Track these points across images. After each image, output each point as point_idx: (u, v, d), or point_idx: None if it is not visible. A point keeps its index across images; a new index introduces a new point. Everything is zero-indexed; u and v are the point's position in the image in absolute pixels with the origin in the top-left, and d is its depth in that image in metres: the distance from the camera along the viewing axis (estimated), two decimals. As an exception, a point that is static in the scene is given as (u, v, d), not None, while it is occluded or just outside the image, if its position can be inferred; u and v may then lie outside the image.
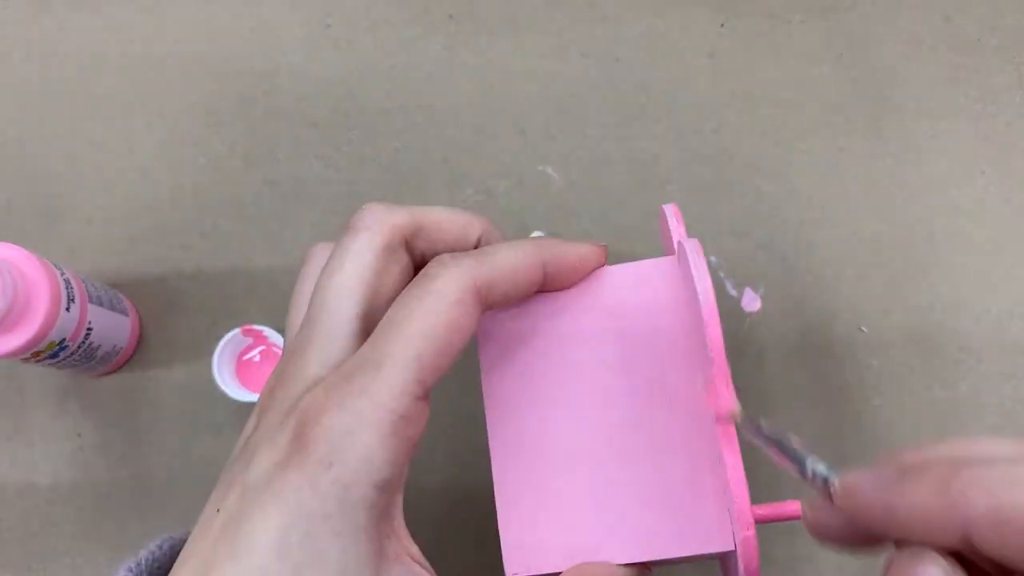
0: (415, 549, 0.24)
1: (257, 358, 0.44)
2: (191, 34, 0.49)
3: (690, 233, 0.34)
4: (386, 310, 0.24)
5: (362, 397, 0.22)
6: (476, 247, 0.28)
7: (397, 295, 0.24)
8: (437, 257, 0.25)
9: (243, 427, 0.26)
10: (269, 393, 0.25)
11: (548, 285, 0.28)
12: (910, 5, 0.52)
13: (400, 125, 0.48)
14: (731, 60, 0.50)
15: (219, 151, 0.47)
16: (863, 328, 0.47)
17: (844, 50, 0.51)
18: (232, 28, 0.49)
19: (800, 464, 0.23)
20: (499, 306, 0.26)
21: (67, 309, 0.38)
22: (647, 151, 0.49)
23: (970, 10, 0.52)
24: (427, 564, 0.24)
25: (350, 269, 0.25)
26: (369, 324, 0.25)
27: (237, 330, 0.42)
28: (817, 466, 0.22)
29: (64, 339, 0.38)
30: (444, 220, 0.27)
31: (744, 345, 0.46)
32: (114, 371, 0.44)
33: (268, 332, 0.43)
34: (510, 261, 0.25)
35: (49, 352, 0.38)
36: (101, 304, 0.41)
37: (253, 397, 0.42)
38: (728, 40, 0.51)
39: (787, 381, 0.46)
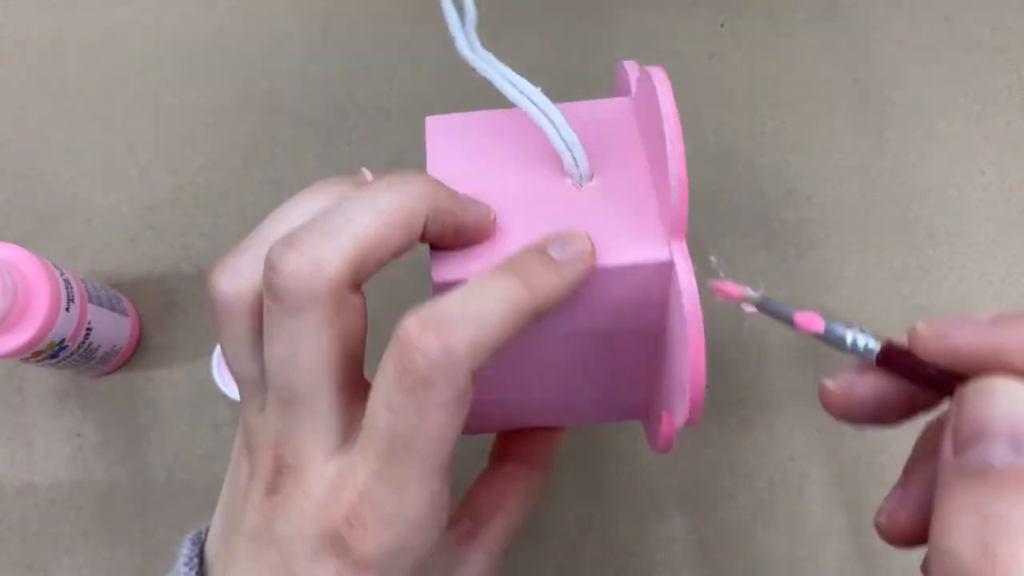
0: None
1: None
2: (191, 34, 0.49)
3: (691, 233, 0.34)
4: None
5: (401, 521, 0.22)
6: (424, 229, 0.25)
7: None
8: (419, 342, 0.22)
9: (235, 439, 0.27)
10: (275, 476, 0.24)
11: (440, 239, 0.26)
12: (910, 5, 0.52)
13: (400, 125, 0.48)
14: (731, 60, 0.50)
15: (219, 151, 0.47)
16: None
17: (844, 50, 0.51)
18: (232, 28, 0.49)
19: (836, 334, 0.23)
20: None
21: (67, 309, 0.38)
22: (647, 151, 0.49)
23: (970, 10, 0.52)
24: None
25: (307, 356, 0.23)
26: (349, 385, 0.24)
27: None
28: (858, 335, 0.22)
29: (64, 339, 0.38)
30: (380, 237, 0.24)
31: (744, 345, 0.46)
32: (114, 371, 0.44)
33: None
34: (501, 321, 0.22)
35: (49, 352, 0.38)
36: (101, 304, 0.41)
37: None
38: (728, 40, 0.51)
39: (787, 381, 0.46)
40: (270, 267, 0.23)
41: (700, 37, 0.51)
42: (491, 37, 0.50)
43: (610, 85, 0.51)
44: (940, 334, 0.19)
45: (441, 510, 0.23)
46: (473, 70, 0.33)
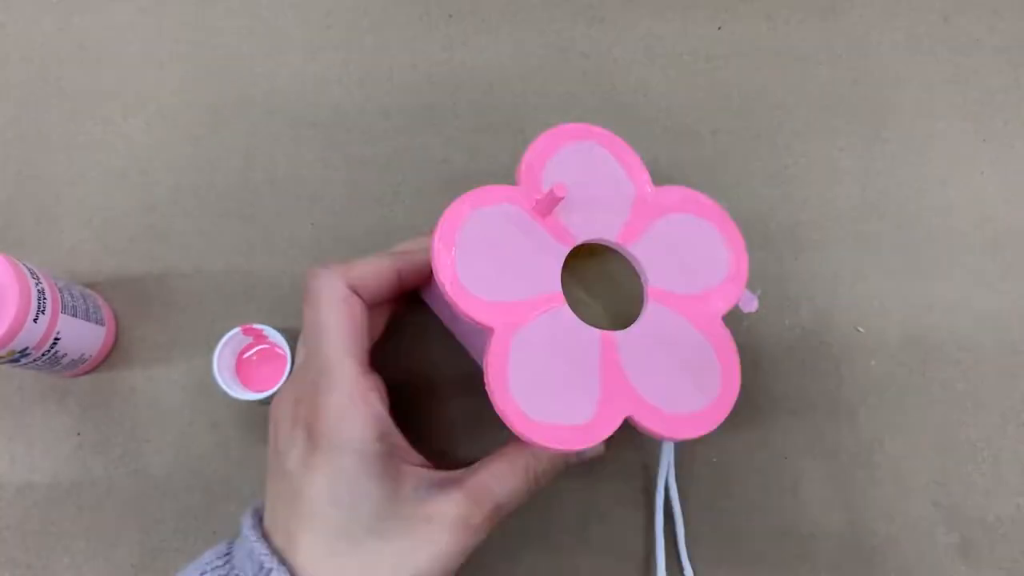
0: (415, 455, 0.35)
1: (255, 357, 0.44)
2: (191, 34, 0.49)
3: None
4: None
5: (331, 393, 0.33)
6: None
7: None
8: (310, 270, 0.36)
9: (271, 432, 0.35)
10: (274, 406, 0.35)
11: (406, 284, 0.38)
12: (909, 6, 0.52)
13: (400, 125, 0.48)
14: (729, 62, 0.50)
15: (219, 151, 0.48)
16: (860, 328, 0.47)
17: (843, 51, 0.51)
18: (232, 28, 0.49)
19: None
20: (371, 300, 0.37)
21: (35, 320, 0.38)
22: (645, 152, 0.49)
23: (969, 11, 0.52)
24: (425, 460, 0.36)
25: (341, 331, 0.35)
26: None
27: (237, 329, 0.42)
28: None
29: (27, 348, 0.38)
30: (363, 263, 0.37)
31: (742, 346, 0.46)
32: (82, 374, 0.44)
33: (268, 331, 0.43)
34: (369, 267, 0.36)
35: (9, 358, 0.38)
36: (75, 314, 0.41)
37: (252, 395, 0.42)
38: (726, 42, 0.51)
39: (785, 381, 0.46)
40: (306, 275, 0.37)
41: (698, 39, 0.51)
42: (491, 37, 0.51)
43: (609, 85, 0.51)
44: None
45: (368, 388, 0.33)
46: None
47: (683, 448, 0.45)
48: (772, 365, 0.46)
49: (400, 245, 0.39)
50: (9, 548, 0.43)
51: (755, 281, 0.48)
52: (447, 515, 0.33)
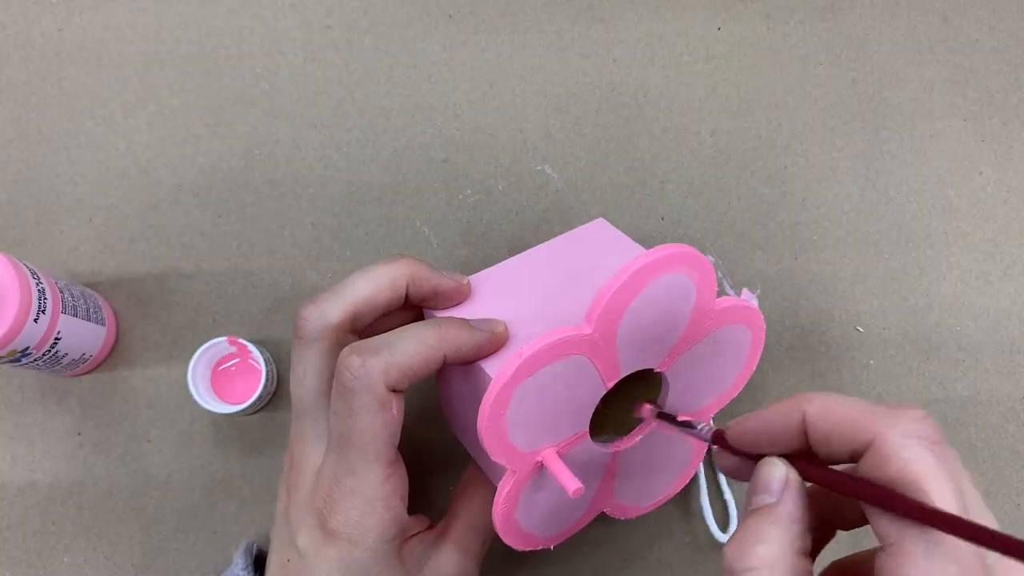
0: (416, 526, 0.36)
1: (233, 368, 0.44)
2: (191, 34, 0.49)
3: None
4: None
5: (355, 495, 0.31)
6: (408, 292, 0.35)
7: None
8: (345, 356, 0.31)
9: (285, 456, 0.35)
10: (289, 472, 0.34)
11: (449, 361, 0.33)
12: (908, 6, 0.52)
13: (400, 125, 0.48)
14: (728, 63, 0.50)
15: (219, 151, 0.48)
16: (859, 328, 0.47)
17: (842, 51, 0.51)
18: (232, 28, 0.49)
19: (695, 429, 0.32)
20: (415, 382, 0.32)
21: (35, 320, 0.38)
22: (645, 152, 0.49)
23: (968, 11, 0.52)
24: (418, 520, 0.36)
25: (312, 379, 0.34)
26: None
27: (223, 338, 0.42)
28: (704, 427, 0.31)
29: (28, 347, 0.38)
30: (370, 295, 0.34)
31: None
32: (83, 374, 0.44)
33: (252, 348, 0.42)
34: (412, 355, 0.31)
35: (10, 358, 0.38)
36: (76, 314, 0.41)
37: (222, 408, 0.41)
38: (725, 43, 0.51)
39: (784, 381, 0.46)
40: (297, 315, 0.34)
41: (698, 39, 0.51)
42: (491, 37, 0.51)
43: (609, 86, 0.51)
44: (738, 434, 0.28)
45: (391, 493, 0.32)
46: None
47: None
48: (772, 365, 0.46)
49: (441, 281, 0.35)
50: (9, 548, 0.43)
51: (755, 281, 0.48)
52: (445, 574, 0.34)
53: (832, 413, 0.25)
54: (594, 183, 0.48)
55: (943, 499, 0.22)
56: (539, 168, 0.48)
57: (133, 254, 0.46)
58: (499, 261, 0.38)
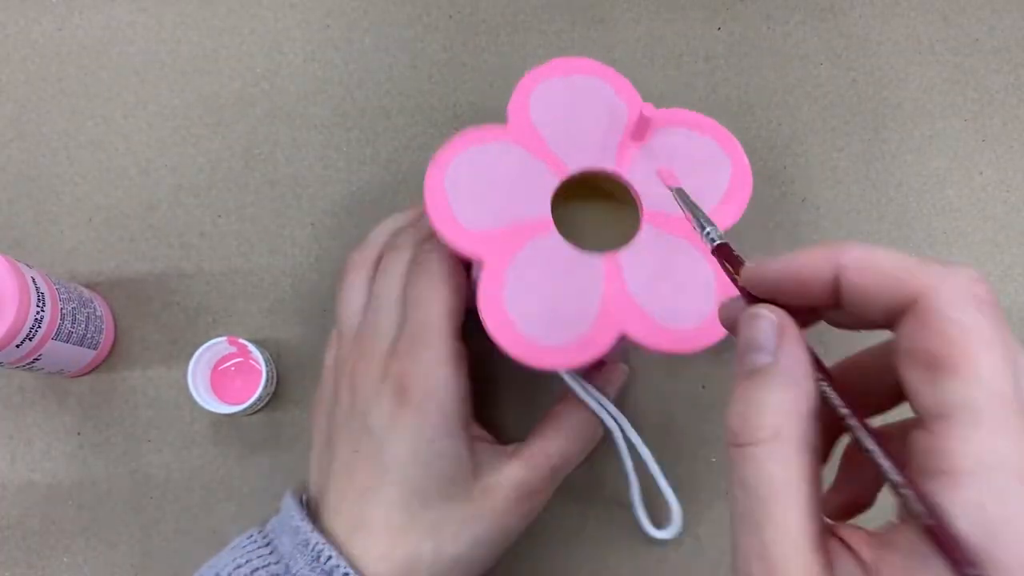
0: (478, 430, 0.38)
1: (232, 368, 0.44)
2: (191, 34, 0.49)
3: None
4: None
5: (427, 349, 0.34)
6: None
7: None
8: (414, 246, 0.37)
9: (318, 393, 0.39)
10: (352, 368, 0.36)
11: None
12: (908, 6, 0.52)
13: (400, 125, 0.48)
14: (728, 63, 0.50)
15: (219, 151, 0.48)
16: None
17: (843, 51, 0.51)
18: (232, 28, 0.49)
19: (702, 226, 0.29)
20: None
21: (17, 346, 0.37)
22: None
23: (968, 11, 0.52)
24: (487, 435, 0.39)
25: (395, 283, 0.37)
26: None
27: (223, 338, 0.42)
28: (715, 231, 0.28)
29: (0, 362, 0.38)
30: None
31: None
32: (83, 374, 0.44)
33: (252, 348, 0.42)
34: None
35: None
36: (69, 340, 0.40)
37: (222, 408, 0.41)
38: (725, 43, 0.51)
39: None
40: (420, 250, 0.38)
41: (697, 40, 0.51)
42: (491, 37, 0.51)
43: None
44: (755, 267, 0.24)
45: (459, 365, 0.34)
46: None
47: (681, 447, 0.45)
48: (772, 365, 0.46)
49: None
50: (9, 548, 0.43)
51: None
52: (507, 484, 0.35)
53: (874, 263, 0.21)
54: (594, 183, 0.48)
55: (993, 371, 0.19)
56: (539, 168, 0.48)
57: (133, 254, 0.46)
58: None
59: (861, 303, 0.21)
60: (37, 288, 0.38)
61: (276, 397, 0.45)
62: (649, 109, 0.35)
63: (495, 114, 0.49)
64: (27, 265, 0.39)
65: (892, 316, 0.21)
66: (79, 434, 0.44)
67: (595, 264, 0.35)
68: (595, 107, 0.37)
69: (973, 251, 0.48)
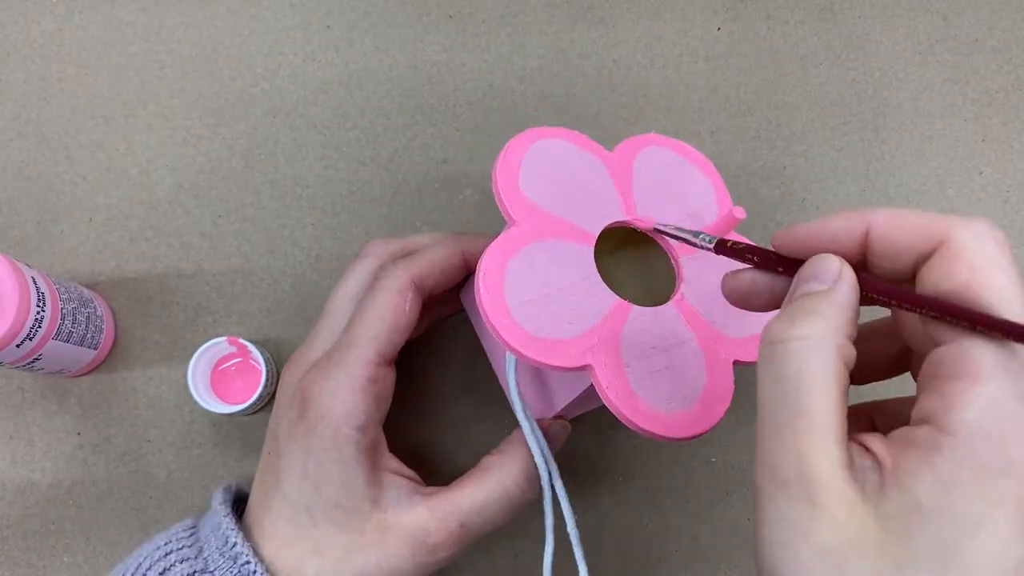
0: (395, 464, 0.35)
1: (233, 368, 0.44)
2: (191, 34, 0.49)
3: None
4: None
5: (339, 369, 0.33)
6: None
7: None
8: (382, 264, 0.36)
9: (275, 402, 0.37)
10: (285, 374, 0.36)
11: (469, 268, 0.38)
12: (908, 6, 0.52)
13: (400, 125, 0.48)
14: (728, 63, 0.50)
15: (219, 151, 0.48)
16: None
17: (843, 50, 0.51)
18: (232, 28, 0.49)
19: (694, 237, 0.31)
20: (437, 289, 0.36)
21: (17, 346, 0.37)
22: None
23: (968, 11, 0.52)
24: (408, 471, 0.35)
25: (351, 284, 0.37)
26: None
27: (223, 338, 0.42)
28: (705, 236, 0.31)
29: (0, 362, 0.38)
30: (431, 254, 0.36)
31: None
32: (83, 374, 0.44)
33: (252, 348, 0.42)
34: (436, 258, 0.36)
35: None
36: (69, 340, 0.40)
37: (222, 408, 0.42)
38: (725, 43, 0.51)
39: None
40: (367, 242, 0.39)
41: (698, 39, 0.51)
42: (491, 37, 0.51)
43: (608, 86, 0.51)
44: (787, 230, 0.26)
45: (367, 385, 0.33)
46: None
47: (681, 447, 0.45)
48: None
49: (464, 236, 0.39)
50: (9, 548, 0.43)
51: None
52: (404, 528, 0.33)
53: (901, 218, 0.24)
54: (594, 183, 0.48)
55: (1013, 292, 0.22)
56: (539, 168, 0.48)
57: (133, 254, 0.46)
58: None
59: (891, 253, 0.24)
60: (37, 288, 0.38)
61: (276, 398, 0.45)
62: (740, 211, 0.33)
63: (496, 113, 0.49)
64: (27, 265, 0.39)
65: (919, 262, 0.23)
66: (79, 434, 0.44)
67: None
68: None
69: (973, 251, 0.48)
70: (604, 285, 0.33)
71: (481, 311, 0.30)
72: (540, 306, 0.31)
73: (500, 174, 0.33)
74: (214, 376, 0.44)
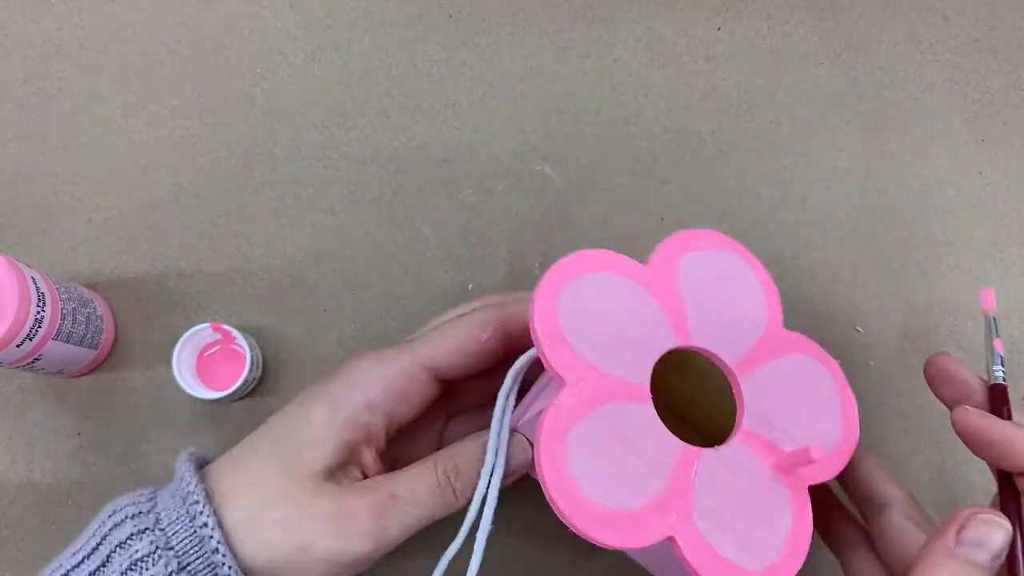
0: (375, 467, 0.34)
1: (218, 355, 0.44)
2: (191, 34, 0.49)
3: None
4: None
5: (384, 353, 0.34)
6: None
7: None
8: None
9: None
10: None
11: (512, 347, 0.34)
12: (908, 6, 0.52)
13: (400, 125, 0.48)
14: (728, 62, 0.50)
15: (219, 151, 0.48)
16: (859, 328, 0.47)
17: (843, 50, 0.51)
18: (232, 28, 0.49)
19: (993, 361, 0.34)
20: (458, 374, 0.34)
21: (17, 346, 0.37)
22: (645, 152, 0.49)
23: (968, 11, 0.52)
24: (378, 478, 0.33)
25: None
26: None
27: (206, 325, 0.42)
28: (1002, 372, 0.33)
29: (0, 362, 0.38)
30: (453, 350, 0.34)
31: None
32: (83, 374, 0.44)
33: (236, 334, 0.42)
34: (450, 340, 0.34)
35: None
36: (69, 340, 0.40)
37: (208, 394, 0.42)
38: (725, 43, 0.51)
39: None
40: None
41: (698, 39, 0.51)
42: (491, 37, 0.51)
43: (609, 86, 0.51)
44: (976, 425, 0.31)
45: (323, 437, 0.32)
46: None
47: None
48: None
49: (494, 297, 0.37)
50: (9, 548, 0.43)
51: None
52: (338, 490, 0.32)
53: None
54: (594, 183, 0.48)
55: None
56: (539, 168, 0.48)
57: (133, 254, 0.46)
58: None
59: None
60: (37, 288, 0.38)
61: (280, 401, 0.45)
62: (819, 452, 0.31)
63: (496, 113, 0.49)
64: (27, 265, 0.39)
65: None
66: (79, 434, 0.44)
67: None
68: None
69: (973, 251, 0.48)
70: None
71: (556, 509, 0.28)
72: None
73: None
74: (200, 363, 0.44)
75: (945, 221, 0.49)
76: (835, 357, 0.36)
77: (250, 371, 0.42)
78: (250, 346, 0.42)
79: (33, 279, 0.38)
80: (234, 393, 0.42)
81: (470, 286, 0.46)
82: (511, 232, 0.47)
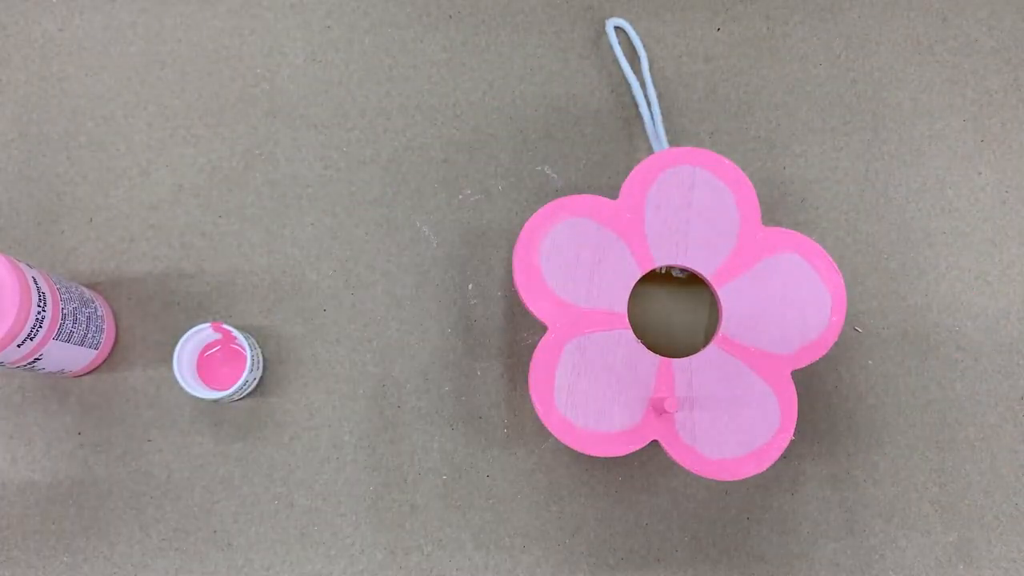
0: None
1: (218, 355, 0.44)
2: (191, 34, 0.49)
3: None
4: None
5: None
6: None
7: None
8: None
9: None
10: None
11: None
12: (908, 6, 0.52)
13: (400, 125, 0.48)
14: (727, 63, 0.50)
15: (219, 151, 0.48)
16: (858, 328, 0.47)
17: (842, 51, 0.51)
18: (232, 28, 0.49)
19: None
20: None
21: (18, 346, 0.37)
22: (645, 152, 0.49)
23: (968, 12, 0.52)
24: None
25: None
26: None
27: (207, 325, 0.42)
28: None
29: (1, 363, 0.38)
30: None
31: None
32: (83, 374, 0.44)
33: (237, 334, 0.43)
34: None
35: None
36: (70, 340, 0.41)
37: (209, 394, 0.42)
38: (725, 43, 0.51)
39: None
40: None
41: (697, 41, 0.51)
42: (491, 37, 0.51)
43: (609, 86, 0.51)
44: None
45: None
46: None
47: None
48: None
49: None
50: (9, 548, 0.43)
51: (754, 281, 0.47)
52: None
53: None
54: (594, 183, 0.48)
55: None
56: (539, 168, 0.48)
57: (133, 254, 0.46)
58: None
59: None
60: (38, 288, 0.38)
61: (280, 401, 0.45)
62: (672, 404, 0.36)
63: (496, 113, 0.49)
64: (28, 265, 0.39)
65: None
66: (79, 434, 0.44)
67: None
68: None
69: (972, 251, 0.48)
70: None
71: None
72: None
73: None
74: (200, 363, 0.44)
75: (945, 221, 0.49)
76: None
77: (250, 371, 0.42)
78: (250, 346, 0.42)
79: (34, 279, 0.38)
80: (234, 393, 0.42)
81: (470, 286, 0.46)
82: (511, 232, 0.47)
